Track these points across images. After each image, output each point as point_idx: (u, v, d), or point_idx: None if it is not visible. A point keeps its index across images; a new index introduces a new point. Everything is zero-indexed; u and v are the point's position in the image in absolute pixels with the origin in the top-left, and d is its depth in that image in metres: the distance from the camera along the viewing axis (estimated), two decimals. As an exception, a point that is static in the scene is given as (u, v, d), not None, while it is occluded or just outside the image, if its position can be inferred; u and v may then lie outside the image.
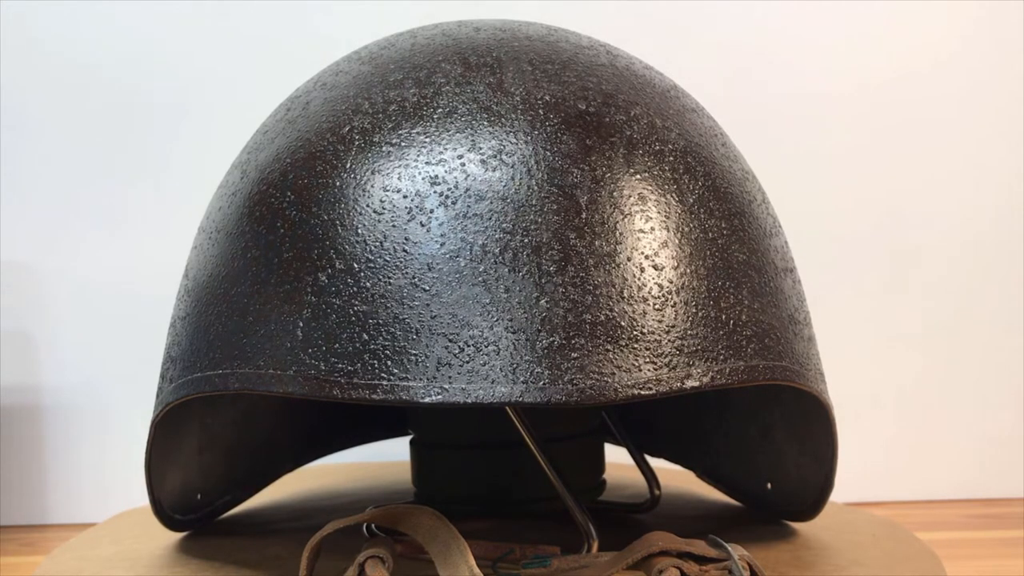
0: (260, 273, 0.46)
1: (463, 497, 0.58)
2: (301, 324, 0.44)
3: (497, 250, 0.43)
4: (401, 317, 0.42)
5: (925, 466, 0.81)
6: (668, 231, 0.45)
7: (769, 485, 0.57)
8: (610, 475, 0.62)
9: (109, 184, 0.81)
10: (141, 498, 0.58)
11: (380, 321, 0.42)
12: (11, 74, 0.81)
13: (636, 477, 0.64)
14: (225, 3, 0.81)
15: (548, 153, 0.44)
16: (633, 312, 0.43)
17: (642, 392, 0.42)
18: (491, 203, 0.43)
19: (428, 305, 0.42)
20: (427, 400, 0.41)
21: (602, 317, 0.42)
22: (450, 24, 0.52)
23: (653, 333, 0.43)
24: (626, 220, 0.44)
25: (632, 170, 0.45)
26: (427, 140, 0.45)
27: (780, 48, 0.81)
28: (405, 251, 0.43)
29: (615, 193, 0.44)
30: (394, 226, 0.44)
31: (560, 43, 0.50)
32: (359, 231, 0.44)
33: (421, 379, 0.41)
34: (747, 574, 0.42)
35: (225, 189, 0.51)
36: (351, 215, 0.44)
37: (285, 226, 0.46)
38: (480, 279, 0.42)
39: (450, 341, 0.42)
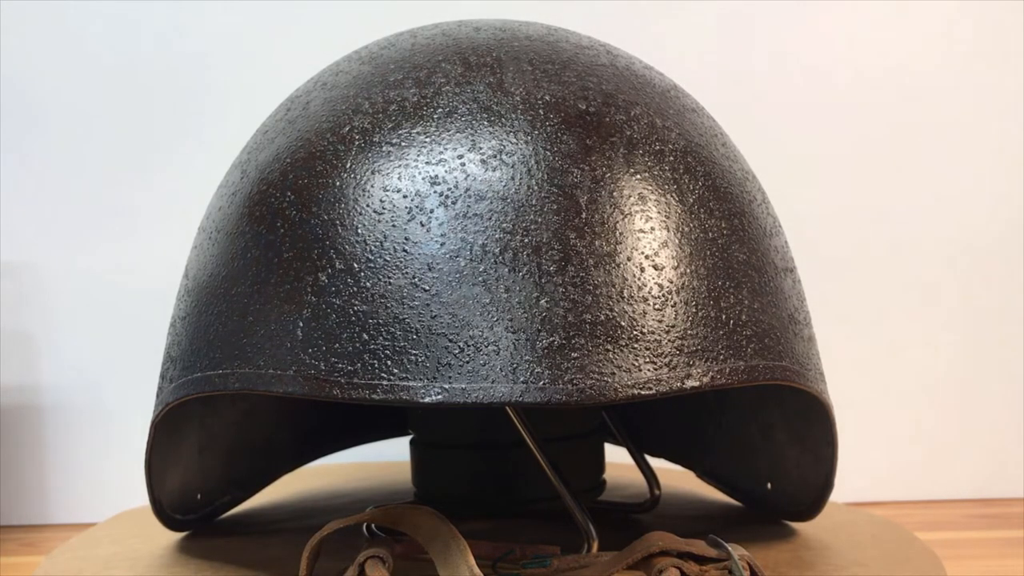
0: (260, 273, 0.46)
1: (463, 497, 0.58)
2: (301, 324, 0.44)
3: (497, 250, 0.43)
4: (401, 317, 0.42)
5: (925, 466, 0.81)
6: (668, 231, 0.45)
7: (769, 485, 0.57)
8: (610, 475, 0.62)
9: (109, 184, 0.81)
10: (141, 498, 0.58)
11: (380, 321, 0.42)
12: (11, 74, 0.81)
13: (636, 477, 0.64)
14: (225, 3, 0.81)
15: (548, 153, 0.44)
16: (633, 312, 0.43)
17: (642, 392, 0.42)
18: (491, 203, 0.43)
19: (428, 305, 0.42)
20: (427, 400, 0.41)
21: (602, 317, 0.42)
22: (450, 24, 0.52)
23: (653, 333, 0.43)
24: (626, 220, 0.44)
25: (632, 170, 0.45)
26: (427, 140, 0.45)
27: (780, 48, 0.81)
28: (405, 251, 0.43)
29: (615, 193, 0.44)
30: (394, 226, 0.44)
31: (560, 43, 0.50)
32: (359, 231, 0.44)
33: (421, 379, 0.41)
34: (747, 574, 0.42)
35: (225, 189, 0.51)
36: (351, 215, 0.44)
37: (285, 226, 0.46)
38: (480, 279, 0.42)
39: (450, 341, 0.42)
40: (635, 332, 0.42)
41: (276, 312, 0.44)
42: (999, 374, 0.81)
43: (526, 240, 0.43)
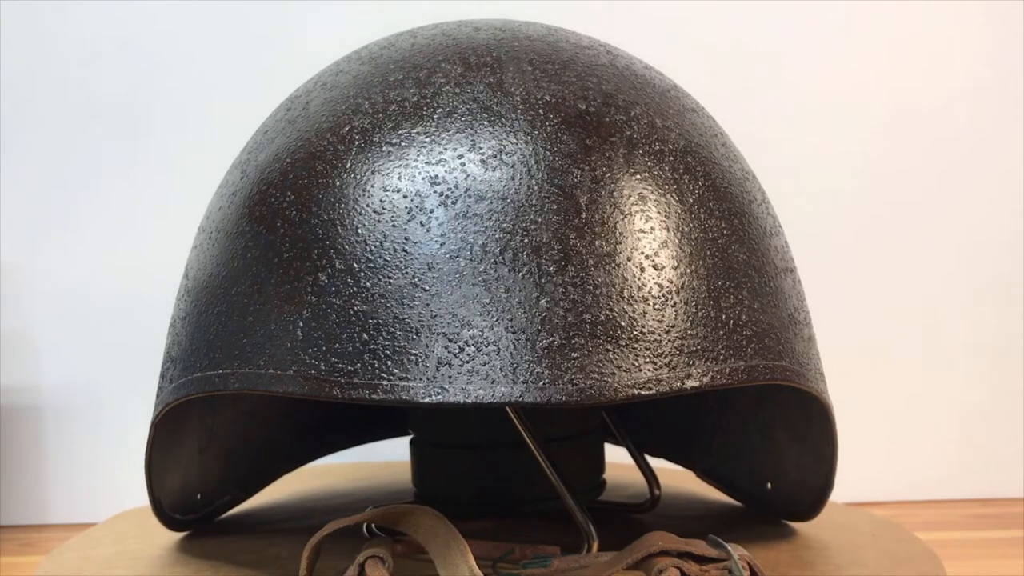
0: (260, 273, 0.46)
1: (463, 497, 0.58)
2: (301, 324, 0.44)
3: (497, 250, 0.43)
4: (401, 317, 0.42)
5: (925, 466, 0.81)
6: (668, 231, 0.45)
7: (769, 485, 0.57)
8: (610, 475, 0.62)
9: (109, 184, 0.81)
10: (141, 498, 0.58)
11: (380, 321, 0.42)
12: (11, 74, 0.81)
13: (636, 477, 0.64)
14: (224, 2, 0.81)
15: (548, 153, 0.44)
16: (633, 312, 0.43)
17: (642, 392, 0.42)
18: (491, 203, 0.43)
19: (428, 305, 0.42)
20: (427, 400, 0.41)
21: (602, 317, 0.42)
22: (450, 24, 0.52)
23: (653, 333, 0.43)
24: (626, 220, 0.44)
25: (632, 170, 0.45)
26: (427, 140, 0.45)
27: (781, 47, 0.81)
28: (405, 251, 0.43)
29: (615, 193, 0.44)
30: (394, 226, 0.44)
31: (560, 43, 0.50)
32: (359, 231, 0.44)
33: (421, 379, 0.41)
34: (747, 574, 0.42)
35: (225, 189, 0.51)
36: (351, 215, 0.44)
37: (285, 226, 0.46)
38: (480, 279, 0.42)
39: (450, 341, 0.42)
40: (635, 332, 0.42)
41: (276, 312, 0.44)
42: (999, 374, 0.81)
43: (526, 240, 0.43)
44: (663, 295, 0.43)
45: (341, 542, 0.46)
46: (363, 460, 0.77)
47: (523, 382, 0.41)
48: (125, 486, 0.79)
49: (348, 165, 0.45)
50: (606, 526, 0.51)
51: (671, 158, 0.46)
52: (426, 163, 0.44)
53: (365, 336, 0.42)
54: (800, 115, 0.81)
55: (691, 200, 0.46)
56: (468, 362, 0.41)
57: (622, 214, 0.44)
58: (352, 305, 0.43)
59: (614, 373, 0.41)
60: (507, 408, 0.49)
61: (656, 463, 0.60)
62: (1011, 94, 0.81)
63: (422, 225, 0.43)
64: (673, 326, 0.43)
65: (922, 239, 0.81)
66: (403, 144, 0.45)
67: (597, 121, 0.46)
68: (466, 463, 0.58)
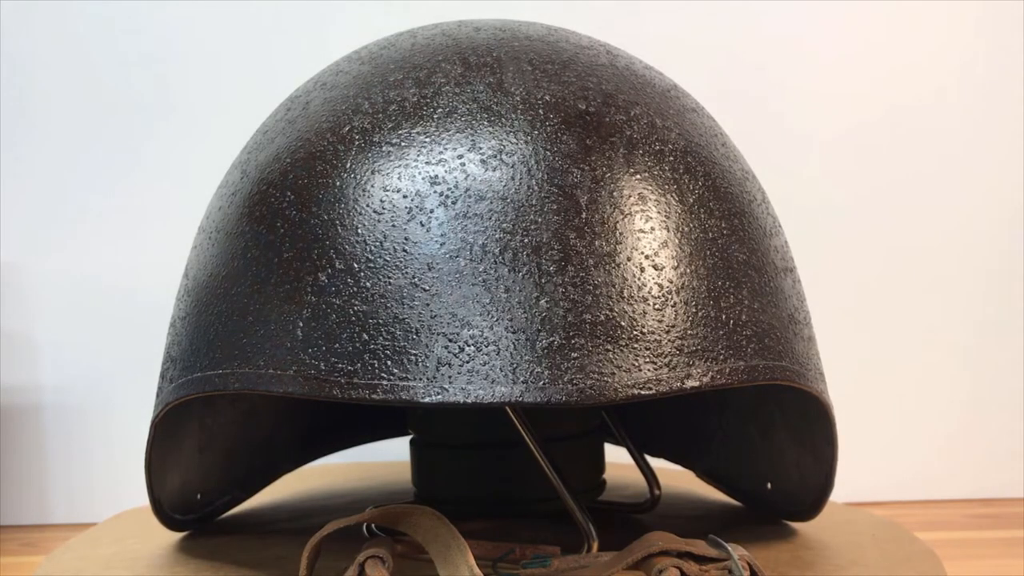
0: (260, 273, 0.46)
1: (463, 497, 0.58)
2: (301, 324, 0.44)
3: (497, 250, 0.43)
4: (401, 317, 0.42)
5: (925, 466, 0.81)
6: (668, 231, 0.45)
7: (769, 485, 0.57)
8: (610, 475, 0.62)
9: (109, 184, 0.81)
10: (141, 498, 0.58)
11: (380, 321, 0.42)
12: (10, 75, 0.81)
13: (636, 477, 0.64)
14: (225, 2, 0.81)
15: (548, 153, 0.44)
16: (633, 312, 0.43)
17: (642, 392, 0.42)
18: (491, 203, 0.43)
19: (428, 305, 0.42)
20: (427, 400, 0.41)
21: (602, 317, 0.42)
22: (450, 24, 0.52)
23: (653, 333, 0.43)
24: (626, 220, 0.44)
25: (632, 170, 0.45)
26: (427, 140, 0.45)
27: (780, 49, 0.81)
28: (405, 251, 0.43)
29: (615, 193, 0.44)
30: (394, 226, 0.44)
31: (560, 43, 0.50)
32: (359, 231, 0.44)
33: (421, 379, 0.41)
34: (747, 574, 0.42)
35: (225, 189, 0.51)
36: (351, 215, 0.44)
37: (285, 226, 0.46)
38: (480, 279, 0.42)
39: (450, 341, 0.42)
40: (635, 332, 0.42)
41: (276, 312, 0.44)
42: (999, 374, 0.81)
43: (526, 240, 0.43)
44: (663, 295, 0.43)
45: (341, 542, 0.46)
46: (363, 460, 0.77)
47: (523, 382, 0.41)
48: (125, 486, 0.79)
49: (348, 165, 0.45)
50: (606, 526, 0.51)
51: (671, 158, 0.46)
52: (426, 163, 0.44)
53: (365, 336, 0.42)
54: (800, 115, 0.81)
55: (691, 200, 0.46)
56: (468, 362, 0.41)
57: (622, 214, 0.44)
58: (352, 305, 0.43)
59: (614, 373, 0.41)
60: (507, 408, 0.49)
61: (656, 463, 0.60)
62: (1011, 91, 0.81)
63: (422, 225, 0.43)
64: (673, 326, 0.43)
65: (921, 239, 0.81)
66: (403, 144, 0.45)
67: (597, 121, 0.46)
68: (466, 463, 0.58)
